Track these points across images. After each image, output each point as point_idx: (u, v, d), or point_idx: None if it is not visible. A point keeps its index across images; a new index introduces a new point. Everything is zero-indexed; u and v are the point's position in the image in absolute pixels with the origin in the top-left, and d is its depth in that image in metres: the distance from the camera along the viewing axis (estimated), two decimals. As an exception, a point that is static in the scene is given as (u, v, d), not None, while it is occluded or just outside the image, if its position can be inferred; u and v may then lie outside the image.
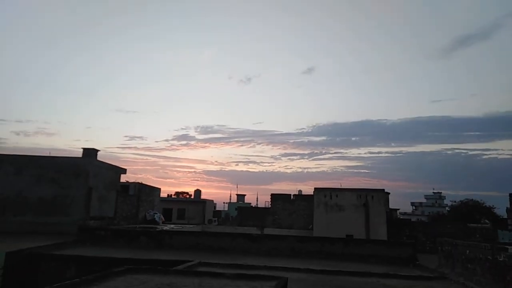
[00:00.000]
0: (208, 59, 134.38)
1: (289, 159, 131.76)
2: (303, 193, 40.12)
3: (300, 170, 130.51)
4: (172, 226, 23.99)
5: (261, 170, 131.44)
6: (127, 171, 22.85)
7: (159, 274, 6.80)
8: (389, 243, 15.77)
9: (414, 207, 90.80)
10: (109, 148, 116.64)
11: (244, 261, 11.36)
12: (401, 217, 60.63)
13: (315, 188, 27.95)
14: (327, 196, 26.89)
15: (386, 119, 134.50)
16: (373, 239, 21.33)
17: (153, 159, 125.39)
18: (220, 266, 9.21)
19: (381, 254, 14.53)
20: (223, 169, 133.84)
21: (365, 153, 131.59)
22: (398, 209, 45.80)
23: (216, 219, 45.48)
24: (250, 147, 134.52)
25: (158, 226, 22.67)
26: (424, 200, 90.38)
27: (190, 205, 42.48)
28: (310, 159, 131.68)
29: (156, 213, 25.87)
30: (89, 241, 15.65)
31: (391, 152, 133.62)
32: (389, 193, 34.14)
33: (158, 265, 8.09)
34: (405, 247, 14.83)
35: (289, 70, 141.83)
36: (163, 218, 26.66)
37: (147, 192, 26.26)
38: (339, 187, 30.63)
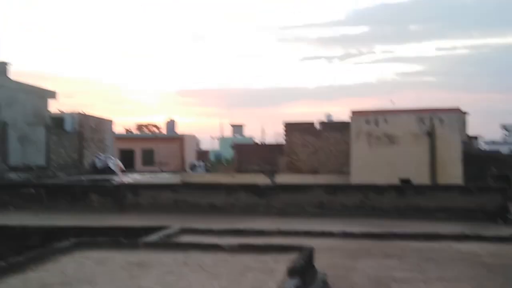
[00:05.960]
0: None
1: (309, 64, 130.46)
2: (333, 119, 40.40)
3: (328, 82, 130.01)
4: (136, 176, 24.54)
5: (265, 84, 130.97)
6: (58, 95, 22.83)
7: (122, 248, 7.08)
8: (466, 189, 16.13)
9: (507, 132, 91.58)
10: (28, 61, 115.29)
11: (247, 224, 11.74)
12: (486, 149, 61.52)
13: (352, 111, 28.00)
14: (371, 123, 27.00)
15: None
16: (442, 185, 21.83)
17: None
18: (212, 233, 9.56)
19: (454, 206, 14.84)
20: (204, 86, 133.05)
21: (430, 50, 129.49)
22: (481, 137, 46.24)
23: (201, 163, 46.41)
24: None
25: (115, 178, 23.17)
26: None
27: (161, 143, 43.12)
28: (344, 63, 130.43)
29: (110, 158, 26.34)
30: (12, 203, 16.07)
31: (472, 47, 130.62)
32: (467, 113, 34.21)
33: (120, 235, 8.41)
34: (491, 194, 15.14)
35: None
36: (121, 165, 27.26)
37: (93, 126, 26.45)
38: (390, 107, 30.68)
